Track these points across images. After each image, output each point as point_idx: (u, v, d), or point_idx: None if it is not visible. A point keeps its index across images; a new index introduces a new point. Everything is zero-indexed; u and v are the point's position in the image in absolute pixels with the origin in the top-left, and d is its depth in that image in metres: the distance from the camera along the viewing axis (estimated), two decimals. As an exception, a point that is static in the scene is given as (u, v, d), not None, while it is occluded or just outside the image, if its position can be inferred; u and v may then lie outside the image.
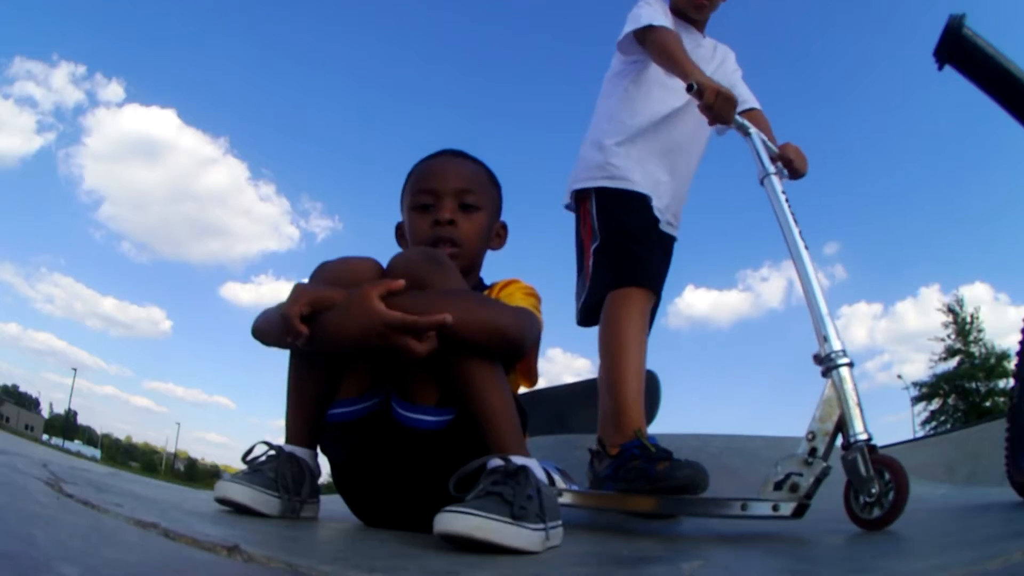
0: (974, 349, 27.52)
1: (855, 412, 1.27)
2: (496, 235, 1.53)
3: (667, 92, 1.92)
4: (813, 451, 1.29)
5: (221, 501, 1.24)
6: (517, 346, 1.20)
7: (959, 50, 1.54)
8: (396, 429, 1.27)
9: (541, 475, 1.12)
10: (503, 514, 0.97)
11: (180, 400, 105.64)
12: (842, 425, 1.28)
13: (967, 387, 26.56)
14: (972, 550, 0.97)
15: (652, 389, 2.58)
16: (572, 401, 2.67)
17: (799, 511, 1.27)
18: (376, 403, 1.31)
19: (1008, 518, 1.34)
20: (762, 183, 1.60)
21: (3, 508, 0.88)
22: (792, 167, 1.79)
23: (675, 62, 1.76)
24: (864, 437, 1.25)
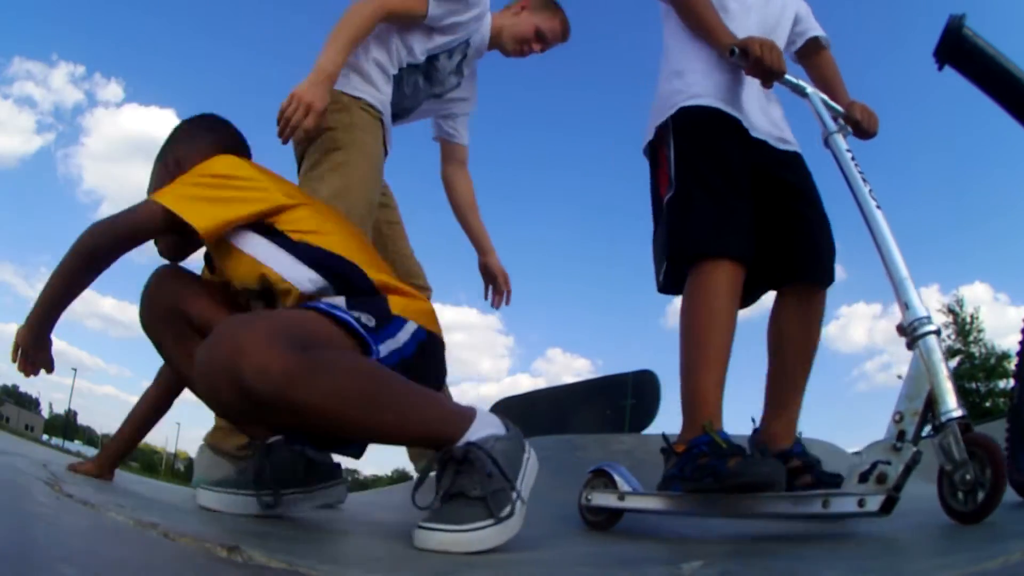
0: (974, 349, 27.53)
1: (946, 386, 1.11)
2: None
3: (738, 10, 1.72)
4: (901, 434, 1.11)
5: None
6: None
7: (959, 50, 1.53)
8: None
9: (488, 430, 1.09)
10: (480, 518, 0.97)
11: (180, 400, 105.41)
12: (932, 402, 1.11)
13: (967, 387, 26.55)
14: (972, 550, 0.97)
15: (651, 389, 2.58)
16: (572, 401, 2.67)
17: (888, 505, 1.10)
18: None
19: (1008, 518, 1.33)
20: (826, 143, 1.47)
21: (3, 508, 0.88)
22: (860, 128, 1.66)
23: (702, 24, 1.64)
24: (958, 414, 1.08)
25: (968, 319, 28.11)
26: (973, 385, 26.50)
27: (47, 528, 0.78)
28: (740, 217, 1.55)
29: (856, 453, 1.67)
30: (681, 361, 1.56)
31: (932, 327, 1.17)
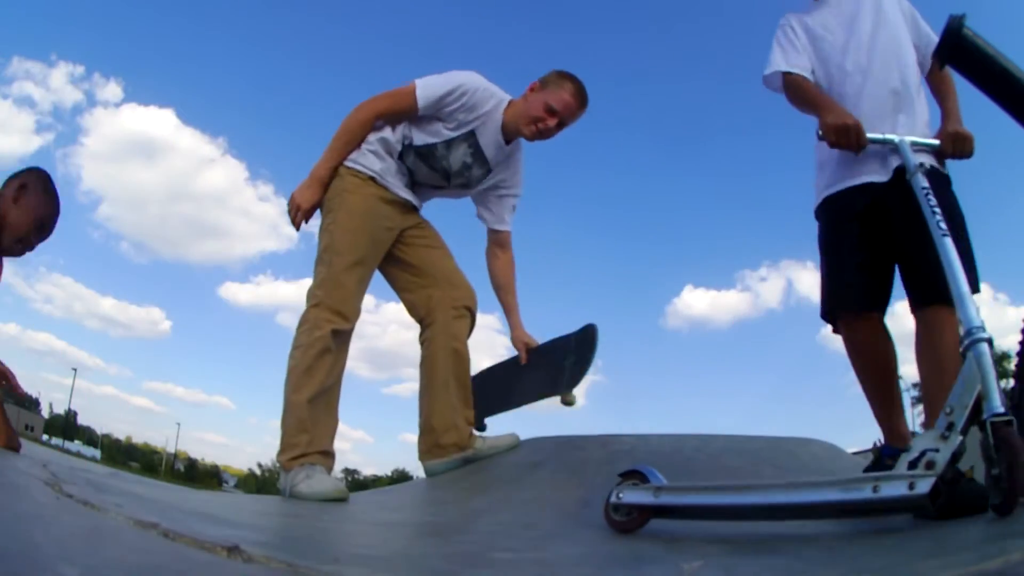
0: (974, 349, 27.50)
1: (993, 387, 1.21)
2: None
3: (840, 62, 1.91)
4: (951, 426, 1.20)
5: None
6: None
7: (959, 50, 1.54)
8: None
9: None
10: None
11: (180, 400, 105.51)
12: (980, 401, 1.21)
13: (967, 387, 26.47)
14: (972, 550, 0.97)
15: (590, 344, 2.55)
16: (517, 371, 2.65)
17: (936, 491, 1.13)
18: None
19: (1008, 518, 1.34)
20: (909, 182, 1.59)
21: (3, 508, 0.88)
22: (951, 156, 1.76)
23: (810, 108, 1.87)
24: (1000, 411, 1.16)
25: (968, 319, 28.12)
26: (973, 385, 26.44)
27: (47, 528, 0.78)
28: (851, 276, 1.79)
29: (857, 453, 1.74)
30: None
31: (985, 336, 1.28)
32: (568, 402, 2.48)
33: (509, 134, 2.40)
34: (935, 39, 1.87)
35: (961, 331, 1.33)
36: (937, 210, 1.48)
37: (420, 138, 2.37)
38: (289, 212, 2.35)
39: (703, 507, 1.39)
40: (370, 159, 2.39)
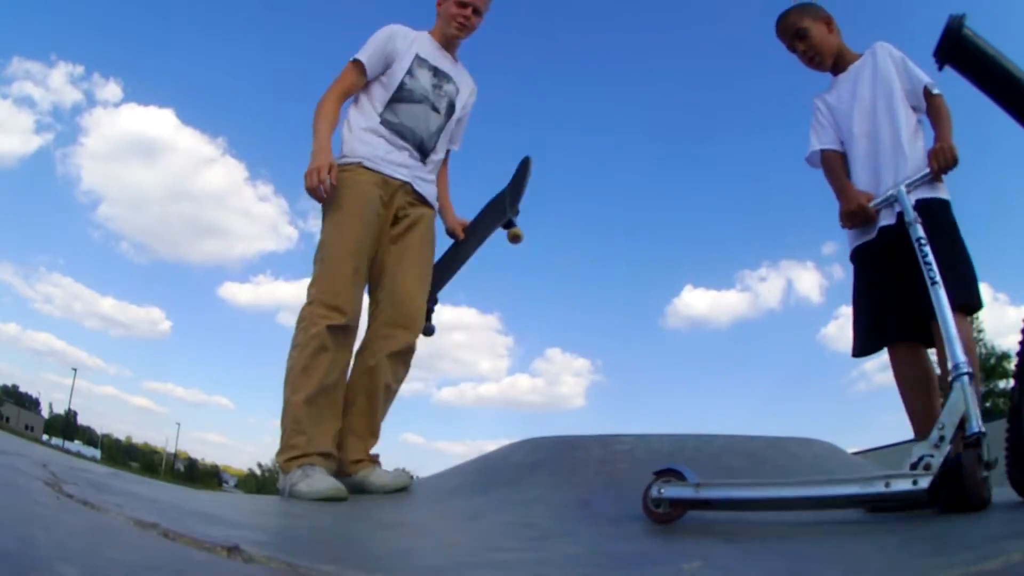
0: (974, 349, 27.44)
1: (974, 411, 1.52)
2: None
3: (850, 117, 2.18)
4: (942, 438, 1.49)
5: None
6: None
7: (959, 50, 1.54)
8: None
9: None
10: None
11: (180, 400, 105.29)
12: (964, 420, 1.50)
13: (967, 387, 26.40)
14: (972, 550, 0.97)
15: (518, 173, 2.61)
16: (458, 244, 2.69)
17: (933, 487, 1.40)
18: None
19: (1008, 518, 1.34)
20: (908, 227, 1.80)
21: (3, 508, 0.88)
22: (937, 173, 1.95)
23: (832, 188, 2.16)
24: (976, 430, 1.48)
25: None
26: (973, 385, 26.37)
27: (47, 528, 0.78)
28: (890, 311, 2.01)
29: (857, 453, 1.79)
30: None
31: (967, 371, 1.57)
32: (515, 235, 2.54)
33: (445, 45, 2.60)
34: (924, 79, 2.07)
35: (949, 366, 1.61)
36: (930, 259, 1.73)
37: (386, 94, 2.47)
38: (311, 184, 2.27)
39: (740, 500, 1.58)
40: (355, 147, 2.43)
